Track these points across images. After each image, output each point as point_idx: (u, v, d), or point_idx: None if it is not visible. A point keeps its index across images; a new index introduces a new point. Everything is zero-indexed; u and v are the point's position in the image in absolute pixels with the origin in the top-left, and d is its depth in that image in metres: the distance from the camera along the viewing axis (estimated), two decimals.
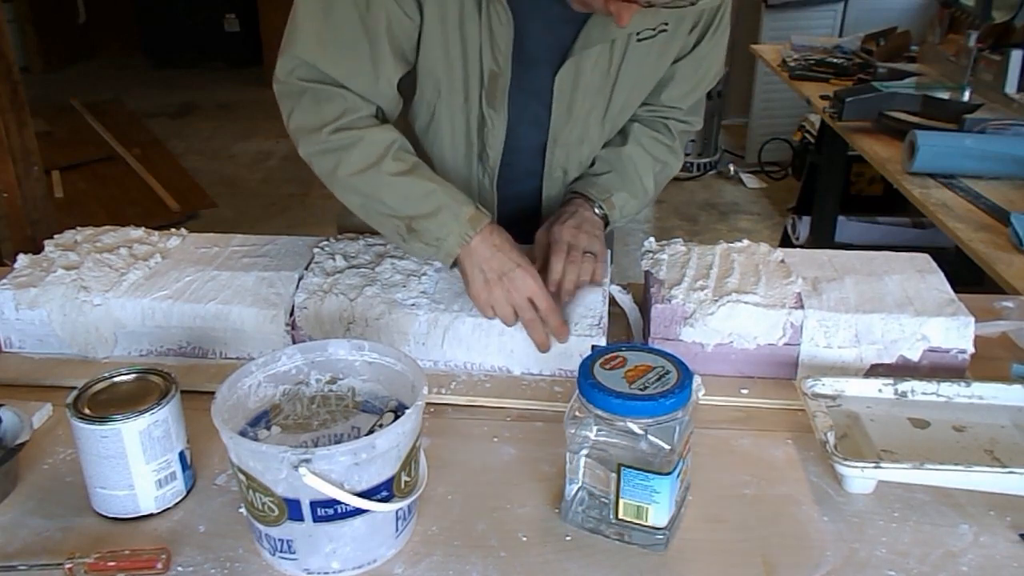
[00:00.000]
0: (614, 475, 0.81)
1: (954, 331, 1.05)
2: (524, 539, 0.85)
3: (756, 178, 4.55)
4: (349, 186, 1.11)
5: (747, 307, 1.07)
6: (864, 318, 1.06)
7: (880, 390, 1.02)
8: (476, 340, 1.09)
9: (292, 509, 0.76)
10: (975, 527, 0.86)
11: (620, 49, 1.15)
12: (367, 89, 1.10)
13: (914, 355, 1.06)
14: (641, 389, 0.80)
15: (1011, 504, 0.88)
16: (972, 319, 1.06)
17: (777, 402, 1.05)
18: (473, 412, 1.05)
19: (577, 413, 0.83)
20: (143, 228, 1.29)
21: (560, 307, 1.08)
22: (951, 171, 2.07)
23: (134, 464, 0.84)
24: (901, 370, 1.06)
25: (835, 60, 3.08)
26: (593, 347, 1.05)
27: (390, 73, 1.10)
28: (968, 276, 1.80)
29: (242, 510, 0.83)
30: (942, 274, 1.16)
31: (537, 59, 1.14)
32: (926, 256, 1.21)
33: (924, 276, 1.15)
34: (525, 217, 1.27)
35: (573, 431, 0.83)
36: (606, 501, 0.83)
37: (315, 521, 0.77)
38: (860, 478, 0.90)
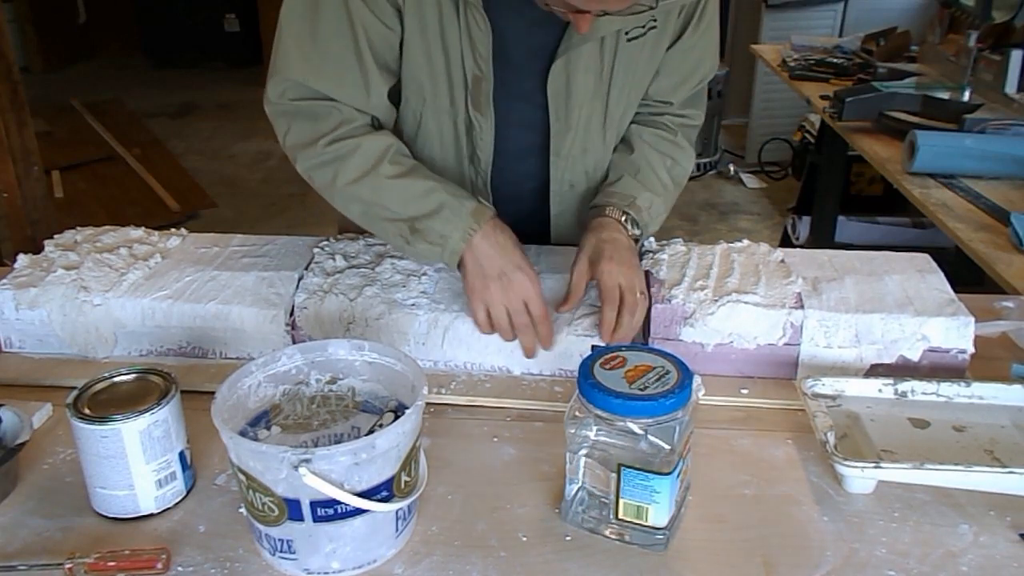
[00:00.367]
0: (614, 475, 0.81)
1: (954, 331, 1.05)
2: (524, 539, 0.85)
3: (756, 178, 4.55)
4: (349, 195, 1.11)
5: (747, 307, 1.07)
6: (864, 318, 1.06)
7: (880, 390, 1.02)
8: (476, 340, 1.09)
9: (292, 509, 0.76)
10: (975, 527, 0.86)
11: (611, 50, 1.15)
12: (360, 102, 1.11)
13: (914, 355, 1.06)
14: (641, 389, 0.80)
15: (1011, 504, 0.88)
16: (972, 319, 1.06)
17: (777, 402, 1.05)
18: (473, 412, 1.05)
19: (577, 413, 0.83)
20: (143, 228, 1.29)
21: (553, 316, 1.08)
22: (951, 171, 2.07)
23: (134, 464, 0.84)
24: (901, 370, 1.06)
25: (835, 60, 3.08)
26: (593, 347, 1.05)
27: (379, 86, 1.12)
28: (968, 276, 1.81)
29: (242, 510, 0.83)
30: (942, 274, 1.16)
31: (520, 62, 1.14)
32: (926, 256, 1.21)
33: (924, 276, 1.15)
34: (525, 218, 1.26)
35: (573, 431, 0.83)
36: (606, 501, 0.83)
37: (315, 521, 0.77)
38: (860, 478, 0.90)
